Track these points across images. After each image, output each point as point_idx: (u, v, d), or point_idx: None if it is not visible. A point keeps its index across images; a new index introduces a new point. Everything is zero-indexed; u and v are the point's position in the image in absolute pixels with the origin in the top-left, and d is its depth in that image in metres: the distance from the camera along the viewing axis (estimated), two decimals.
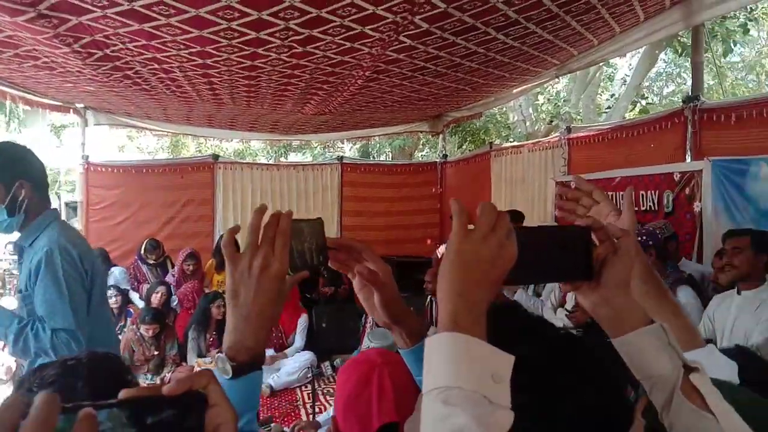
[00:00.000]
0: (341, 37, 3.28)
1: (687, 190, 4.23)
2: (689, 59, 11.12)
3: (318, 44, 3.42)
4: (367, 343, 4.08)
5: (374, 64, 3.83)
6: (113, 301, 6.33)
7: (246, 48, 3.48)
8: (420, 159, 13.62)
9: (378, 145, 14.99)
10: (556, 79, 6.10)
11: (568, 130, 5.67)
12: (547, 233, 0.91)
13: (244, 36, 3.28)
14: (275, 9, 2.99)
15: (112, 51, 3.91)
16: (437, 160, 9.27)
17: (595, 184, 4.33)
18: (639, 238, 3.60)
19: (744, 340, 3.03)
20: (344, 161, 8.86)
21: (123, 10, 3.07)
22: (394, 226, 8.95)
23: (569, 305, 4.49)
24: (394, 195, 8.99)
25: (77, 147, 7.76)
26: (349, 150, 17.15)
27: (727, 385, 1.02)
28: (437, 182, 9.16)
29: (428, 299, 6.04)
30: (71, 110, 7.09)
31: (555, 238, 0.91)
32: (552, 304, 4.57)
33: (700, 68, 4.31)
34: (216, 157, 8.32)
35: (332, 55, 3.58)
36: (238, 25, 3.19)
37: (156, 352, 5.53)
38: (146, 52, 3.82)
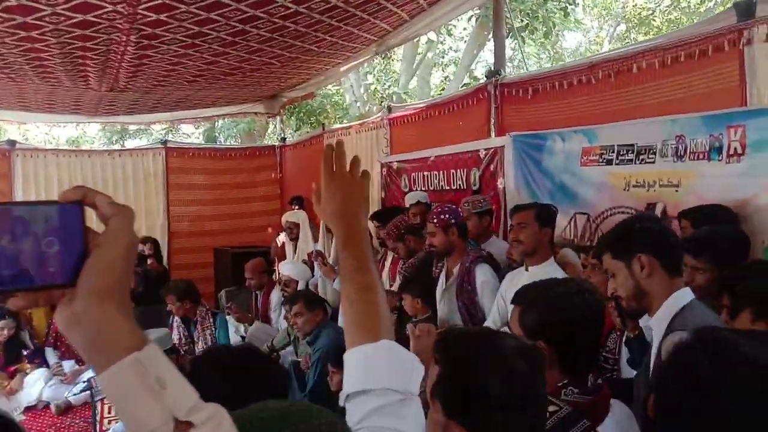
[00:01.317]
0: None
1: (492, 167, 4.19)
2: (526, 42, 11.58)
3: None
4: None
5: (137, 28, 3.31)
6: None
7: None
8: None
9: (224, 128, 14.18)
10: (380, 57, 5.92)
11: (389, 109, 5.52)
12: None
13: None
14: None
15: None
16: (276, 144, 8.83)
17: (412, 163, 4.10)
18: (441, 216, 3.44)
19: None
20: (169, 145, 8.08)
21: None
22: (231, 215, 8.38)
23: None
24: (229, 181, 8.40)
25: None
26: (195, 135, 16.16)
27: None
28: (276, 167, 8.72)
29: (253, 294, 5.67)
30: None
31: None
32: None
33: (502, 42, 4.28)
34: (12, 143, 7.23)
35: (65, 12, 2.98)
36: None
37: None
38: None
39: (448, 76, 11.61)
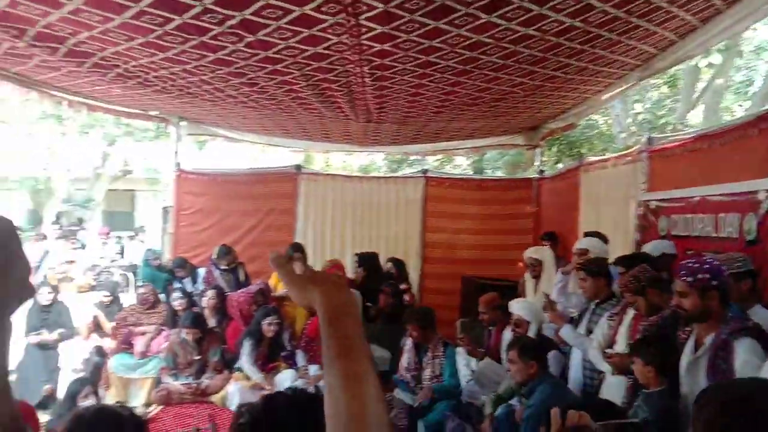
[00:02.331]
0: (286, 21, 2.93)
1: None
2: None
3: (266, 31, 3.10)
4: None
5: (366, 59, 3.45)
6: (178, 304, 6.45)
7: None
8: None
9: (491, 160, 14.32)
10: (642, 82, 5.24)
11: (649, 141, 4.82)
12: None
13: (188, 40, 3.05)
14: None
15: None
16: (533, 176, 8.54)
17: (672, 203, 3.49)
18: (699, 275, 2.81)
19: None
20: (428, 174, 8.47)
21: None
22: (481, 246, 8.34)
23: (619, 346, 3.74)
24: (481, 212, 8.39)
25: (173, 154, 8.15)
26: (466, 165, 16.67)
27: None
28: (532, 200, 8.40)
29: (486, 328, 5.48)
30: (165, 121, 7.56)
31: None
32: (599, 343, 3.84)
33: None
34: (299, 167, 8.38)
35: (297, 45, 3.24)
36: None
37: (198, 357, 5.51)
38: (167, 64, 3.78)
39: (741, 104, 9.78)
